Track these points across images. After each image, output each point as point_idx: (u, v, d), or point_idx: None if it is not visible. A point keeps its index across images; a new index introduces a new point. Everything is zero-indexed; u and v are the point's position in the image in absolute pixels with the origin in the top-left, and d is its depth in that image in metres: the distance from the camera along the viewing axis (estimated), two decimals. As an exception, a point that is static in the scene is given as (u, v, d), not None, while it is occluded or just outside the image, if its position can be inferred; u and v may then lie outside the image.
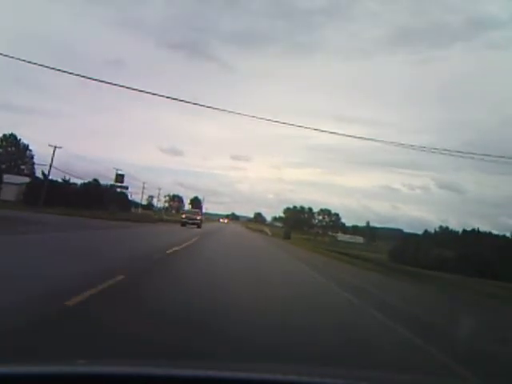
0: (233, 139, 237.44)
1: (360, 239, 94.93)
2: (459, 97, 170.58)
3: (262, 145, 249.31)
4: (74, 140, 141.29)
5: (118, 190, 63.16)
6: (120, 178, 67.89)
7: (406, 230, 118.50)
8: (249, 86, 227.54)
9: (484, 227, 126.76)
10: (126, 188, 65.66)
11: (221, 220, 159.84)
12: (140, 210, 72.01)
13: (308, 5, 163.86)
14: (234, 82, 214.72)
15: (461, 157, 26.36)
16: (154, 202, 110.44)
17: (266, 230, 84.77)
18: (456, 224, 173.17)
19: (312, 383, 1.86)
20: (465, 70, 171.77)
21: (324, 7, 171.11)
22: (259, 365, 3.10)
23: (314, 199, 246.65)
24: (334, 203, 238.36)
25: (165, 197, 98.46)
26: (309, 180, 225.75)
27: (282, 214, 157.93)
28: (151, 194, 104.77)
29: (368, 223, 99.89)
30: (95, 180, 54.89)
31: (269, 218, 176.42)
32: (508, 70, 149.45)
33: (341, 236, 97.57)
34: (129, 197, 67.50)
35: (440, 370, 5.02)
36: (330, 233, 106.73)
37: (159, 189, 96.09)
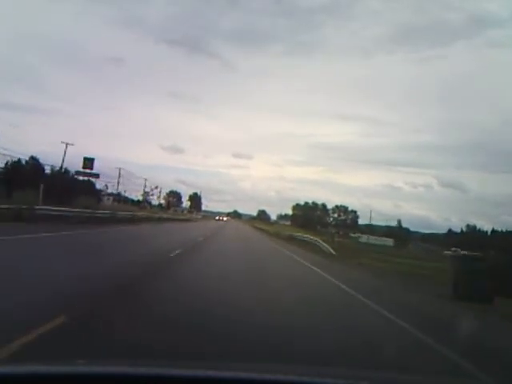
0: (234, 137, 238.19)
1: (389, 241, 79.26)
2: (460, 96, 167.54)
3: (263, 143, 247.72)
4: (74, 138, 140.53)
5: (84, 177, 48.58)
6: (88, 163, 52.71)
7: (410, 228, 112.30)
8: (250, 84, 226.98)
9: (487, 225, 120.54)
10: (97, 176, 50.84)
11: (217, 217, 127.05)
12: (115, 203, 57.95)
13: (309, 3, 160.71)
14: (235, 80, 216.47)
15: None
16: (152, 198, 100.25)
17: (319, 239, 35.12)
18: (458, 222, 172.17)
19: (312, 383, 1.85)
20: (466, 69, 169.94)
21: (325, 6, 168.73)
22: (259, 365, 3.20)
23: (316, 197, 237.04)
24: (336, 201, 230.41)
25: (152, 189, 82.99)
26: (310, 178, 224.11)
27: (288, 212, 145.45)
28: (153, 192, 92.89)
29: (399, 222, 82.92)
30: (33, 159, 39.31)
31: (272, 216, 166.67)
32: (508, 68, 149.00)
33: (364, 237, 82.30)
34: (96, 186, 52.17)
35: (441, 371, 4.89)
36: (352, 234, 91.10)
37: (145, 179, 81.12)
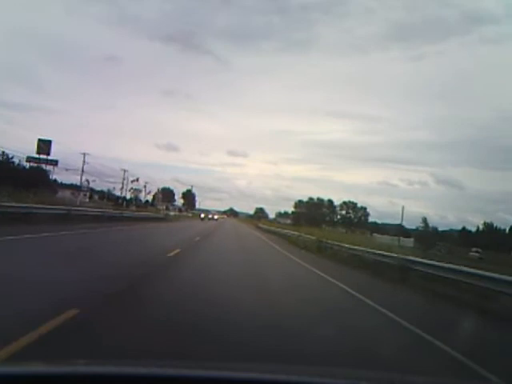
0: (229, 135, 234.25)
1: (409, 242, 68.66)
2: (456, 92, 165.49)
3: (258, 141, 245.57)
4: (69, 136, 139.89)
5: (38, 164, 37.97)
6: (44, 146, 42.21)
7: (406, 225, 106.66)
8: (245, 82, 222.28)
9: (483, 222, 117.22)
10: (54, 163, 40.22)
11: (202, 215, 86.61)
12: (79, 198, 47.61)
13: (303, 1, 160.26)
14: (230, 78, 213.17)
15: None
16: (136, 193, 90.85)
17: None
18: (454, 219, 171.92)
19: (312, 383, 1.83)
20: (461, 66, 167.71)
21: (319, 3, 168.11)
22: (259, 365, 3.13)
23: (312, 195, 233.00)
24: (333, 199, 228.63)
25: (132, 181, 72.38)
26: (306, 176, 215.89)
27: (286, 209, 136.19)
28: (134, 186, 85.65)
29: (425, 220, 70.19)
30: None
31: (269, 215, 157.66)
32: (503, 65, 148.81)
33: (379, 237, 71.91)
34: (51, 176, 41.14)
35: (441, 371, 4.65)
36: (371, 233, 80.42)
37: (124, 170, 70.52)
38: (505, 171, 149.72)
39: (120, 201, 65.49)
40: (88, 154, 56.09)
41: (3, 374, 1.48)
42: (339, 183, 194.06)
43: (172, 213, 78.92)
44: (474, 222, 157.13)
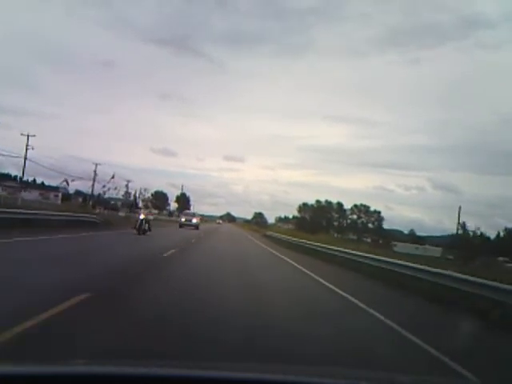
0: (226, 140, 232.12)
1: (436, 251, 58.52)
2: (453, 97, 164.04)
3: (255, 146, 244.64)
4: (64, 140, 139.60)
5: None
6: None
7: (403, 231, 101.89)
8: (242, 86, 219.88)
9: (482, 228, 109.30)
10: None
11: (142, 216, 26.89)
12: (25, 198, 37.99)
13: (299, 5, 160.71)
14: (226, 82, 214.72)
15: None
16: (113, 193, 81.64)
17: None
18: (451, 225, 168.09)
19: (312, 383, 1.83)
20: (458, 70, 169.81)
21: (315, 8, 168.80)
22: (259, 365, 3.16)
23: (309, 200, 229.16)
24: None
25: (110, 181, 62.24)
26: (303, 181, 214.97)
27: (284, 214, 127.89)
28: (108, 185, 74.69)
29: (464, 225, 56.58)
30: None
31: (268, 220, 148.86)
32: (502, 69, 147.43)
33: (399, 246, 61.87)
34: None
35: (441, 371, 4.65)
36: (393, 242, 69.86)
37: (96, 164, 60.46)
38: (504, 176, 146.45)
39: (90, 201, 55.49)
40: (33, 135, 46.89)
41: (3, 373, 1.47)
42: (336, 188, 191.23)
43: (152, 217, 67.74)
44: (472, 227, 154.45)
